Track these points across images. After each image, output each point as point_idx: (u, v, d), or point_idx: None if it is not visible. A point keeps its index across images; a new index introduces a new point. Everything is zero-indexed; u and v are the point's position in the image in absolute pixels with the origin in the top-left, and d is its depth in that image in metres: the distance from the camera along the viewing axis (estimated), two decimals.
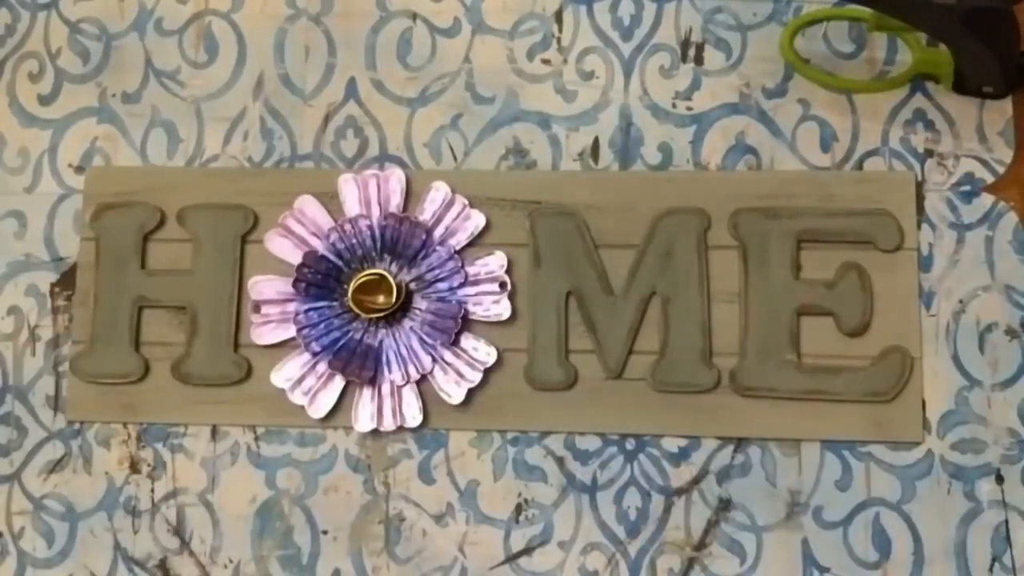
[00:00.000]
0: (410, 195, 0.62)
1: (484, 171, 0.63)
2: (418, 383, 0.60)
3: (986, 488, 0.56)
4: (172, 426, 0.63)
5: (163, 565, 0.62)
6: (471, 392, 0.60)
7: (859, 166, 0.61)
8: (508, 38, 0.65)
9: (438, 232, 0.61)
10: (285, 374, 0.61)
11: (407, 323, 0.61)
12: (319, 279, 0.61)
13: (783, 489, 0.58)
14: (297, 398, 0.61)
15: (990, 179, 0.60)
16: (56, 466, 0.63)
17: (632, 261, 0.60)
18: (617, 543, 0.59)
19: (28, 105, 0.68)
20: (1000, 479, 0.57)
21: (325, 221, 0.62)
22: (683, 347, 0.59)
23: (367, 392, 0.61)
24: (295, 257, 0.62)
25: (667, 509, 0.58)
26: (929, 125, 0.61)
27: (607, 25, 0.64)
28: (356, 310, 0.60)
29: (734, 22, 0.63)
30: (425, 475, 0.60)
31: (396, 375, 0.60)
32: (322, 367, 0.61)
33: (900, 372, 0.57)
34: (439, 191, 0.61)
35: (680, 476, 0.59)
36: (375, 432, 0.61)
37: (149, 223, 0.64)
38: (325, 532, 0.61)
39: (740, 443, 0.59)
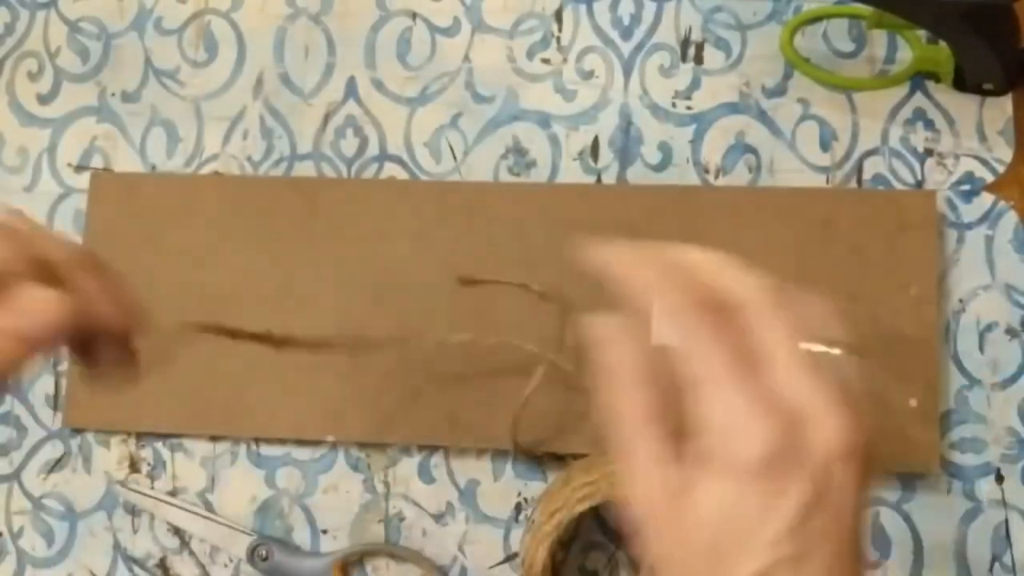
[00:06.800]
0: None
1: None
2: None
3: (986, 487, 0.56)
4: None
5: (163, 564, 0.62)
6: None
7: (859, 165, 0.61)
8: (508, 37, 0.65)
9: None
10: None
11: None
12: None
13: None
14: None
15: (990, 178, 0.59)
16: (56, 465, 0.63)
17: None
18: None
19: (27, 104, 0.68)
20: (1000, 478, 0.56)
21: None
22: None
23: None
24: None
25: None
26: (929, 124, 0.61)
27: (607, 24, 0.64)
28: None
29: (734, 21, 0.63)
30: (425, 474, 0.60)
31: None
32: None
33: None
34: None
35: None
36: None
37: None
38: (325, 531, 0.61)
39: None
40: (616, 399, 0.35)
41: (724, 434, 0.32)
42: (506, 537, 0.60)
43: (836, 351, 0.34)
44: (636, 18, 0.64)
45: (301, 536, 0.61)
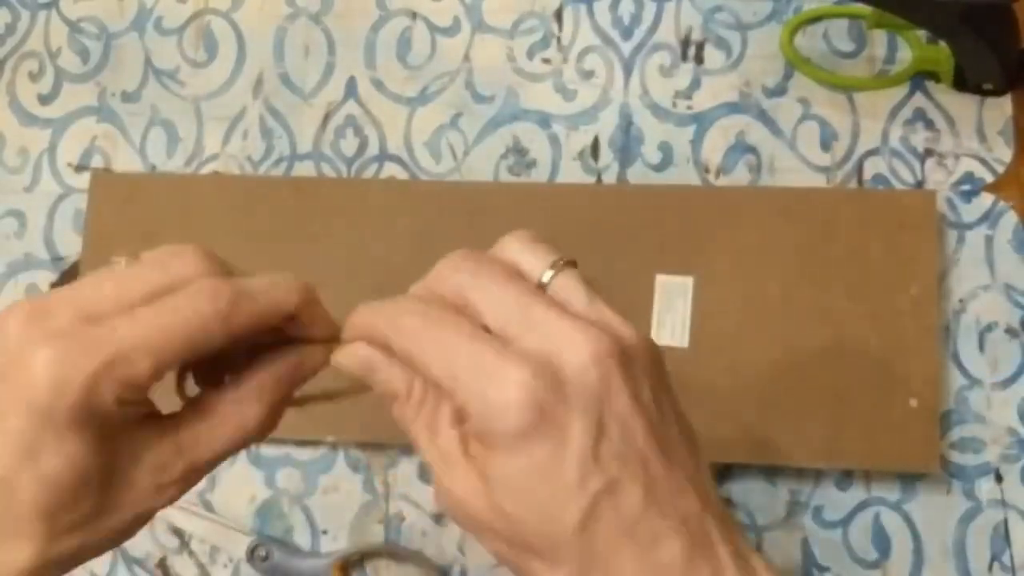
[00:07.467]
0: None
1: None
2: None
3: (985, 487, 0.56)
4: None
5: (163, 565, 0.62)
6: None
7: (859, 165, 0.61)
8: (508, 37, 0.65)
9: None
10: None
11: None
12: None
13: (783, 489, 0.58)
14: None
15: (990, 178, 0.59)
16: None
17: None
18: None
19: (28, 104, 0.68)
20: (1000, 478, 0.56)
21: None
22: None
23: None
24: None
25: None
26: (929, 124, 0.61)
27: (607, 24, 0.64)
28: None
29: (734, 21, 0.63)
30: (425, 475, 0.60)
31: None
32: None
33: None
34: None
35: None
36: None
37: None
38: (325, 532, 0.61)
39: None
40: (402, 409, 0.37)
41: (483, 412, 0.33)
42: None
43: (564, 272, 0.36)
44: (636, 18, 0.64)
45: (301, 536, 0.61)
